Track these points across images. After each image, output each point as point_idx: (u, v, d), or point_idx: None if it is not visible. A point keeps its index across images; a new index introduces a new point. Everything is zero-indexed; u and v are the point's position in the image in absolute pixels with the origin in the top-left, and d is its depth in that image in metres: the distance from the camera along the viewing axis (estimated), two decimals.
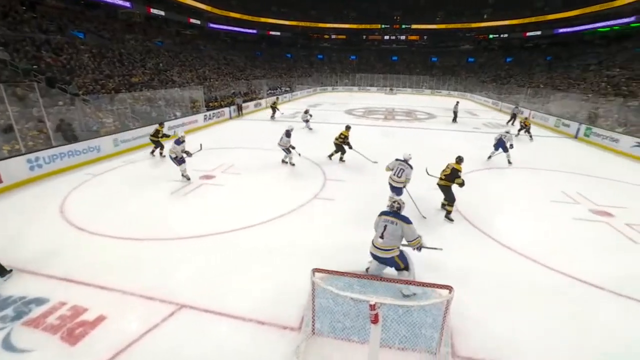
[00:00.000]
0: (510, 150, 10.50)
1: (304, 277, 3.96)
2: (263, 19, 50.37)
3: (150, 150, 10.91)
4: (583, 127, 15.26)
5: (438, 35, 53.14)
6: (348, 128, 10.54)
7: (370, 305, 2.51)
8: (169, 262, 4.98)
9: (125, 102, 13.96)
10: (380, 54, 53.55)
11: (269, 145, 11.93)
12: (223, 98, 21.81)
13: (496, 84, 35.46)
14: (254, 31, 50.06)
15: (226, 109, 18.90)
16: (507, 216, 6.82)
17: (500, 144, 10.46)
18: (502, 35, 49.01)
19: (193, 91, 18.24)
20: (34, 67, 14.27)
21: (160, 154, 10.77)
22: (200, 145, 8.96)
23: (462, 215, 6.75)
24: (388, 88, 43.46)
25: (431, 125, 18.51)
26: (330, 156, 10.68)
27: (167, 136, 10.79)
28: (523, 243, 5.66)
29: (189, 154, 8.28)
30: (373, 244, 4.06)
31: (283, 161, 10.05)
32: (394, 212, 4.04)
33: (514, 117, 18.97)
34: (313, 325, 3.55)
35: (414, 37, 54.41)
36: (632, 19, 31.72)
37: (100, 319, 3.77)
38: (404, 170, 6.51)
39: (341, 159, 10.48)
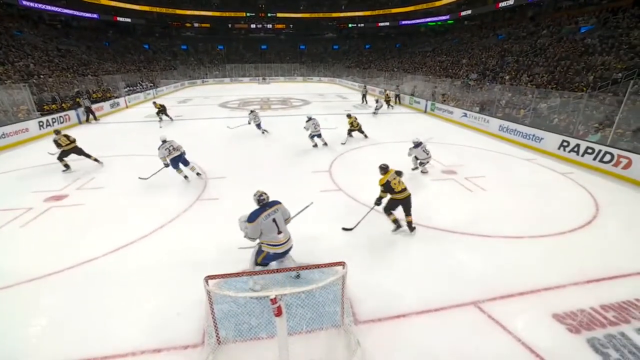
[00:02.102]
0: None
1: (195, 288, 3.70)
2: (104, 1, 42.52)
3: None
4: (429, 103, 18.62)
5: (303, 23, 55.44)
6: (349, 116, 11.93)
7: (271, 300, 2.51)
8: (13, 317, 3.87)
9: None
10: (249, 43, 52.68)
11: (136, 151, 10.46)
12: (64, 99, 17.75)
13: (359, 68, 39.58)
14: (95, 15, 41.65)
15: (72, 112, 15.45)
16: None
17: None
18: (359, 25, 54.57)
19: (14, 91, 14.21)
20: None
21: None
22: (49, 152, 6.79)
23: (341, 189, 7.40)
24: (261, 77, 43.42)
25: (307, 111, 19.42)
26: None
27: None
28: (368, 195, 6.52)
29: None
30: (274, 244, 3.86)
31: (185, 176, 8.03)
32: (266, 203, 3.94)
33: (364, 96, 22.59)
34: (217, 335, 3.34)
35: (280, 26, 55.29)
36: (447, 17, 40.50)
37: None
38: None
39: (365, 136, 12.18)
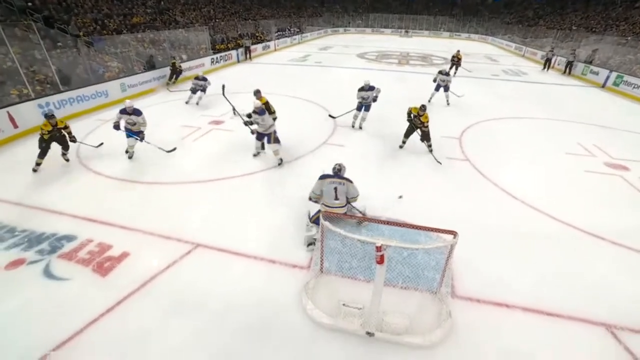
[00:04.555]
0: (450, 91, 10.94)
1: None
2: None
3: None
4: (614, 75, 14.29)
5: None
6: (422, 109, 6.82)
7: (377, 247, 2.66)
8: (183, 205, 5.23)
9: (128, 44, 13.47)
10: None
11: (282, 90, 11.66)
12: (230, 40, 20.78)
13: (522, 25, 32.62)
14: None
15: (233, 52, 18.12)
16: (515, 165, 6.80)
17: (439, 85, 10.84)
18: None
19: (198, 32, 17.35)
20: (29, 4, 13.60)
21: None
22: (223, 86, 8.27)
23: (471, 163, 6.74)
24: (403, 30, 40.53)
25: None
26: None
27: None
28: (528, 192, 5.71)
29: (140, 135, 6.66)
30: (326, 205, 4.36)
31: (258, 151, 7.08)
32: (337, 175, 4.41)
33: (548, 61, 18.54)
34: (322, 265, 3.80)
35: None
36: None
37: (124, 255, 4.10)
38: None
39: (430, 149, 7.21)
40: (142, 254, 4.15)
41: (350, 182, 4.39)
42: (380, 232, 4.47)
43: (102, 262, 3.96)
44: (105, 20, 15.71)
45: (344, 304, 3.34)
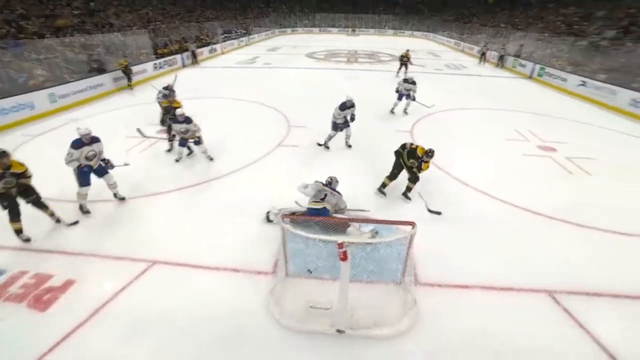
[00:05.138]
0: (416, 101, 9.65)
1: (273, 225, 4.39)
2: None
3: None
4: (537, 67, 15.89)
5: None
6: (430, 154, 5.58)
7: (339, 244, 2.69)
8: (132, 221, 4.87)
9: (54, 49, 12.22)
10: None
11: (231, 94, 11.35)
12: (173, 43, 19.74)
13: (459, 23, 35.04)
14: None
15: (178, 56, 17.26)
16: (464, 154, 7.27)
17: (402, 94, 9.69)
18: None
19: (137, 36, 16.27)
20: None
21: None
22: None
23: None
24: (350, 29, 41.56)
25: (394, 67, 18.27)
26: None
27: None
28: (477, 179, 6.13)
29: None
30: (312, 202, 4.57)
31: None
32: (329, 186, 4.76)
33: (483, 55, 20.24)
34: (286, 268, 3.75)
35: None
36: None
37: (68, 283, 3.70)
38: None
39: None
40: (91, 280, 3.79)
41: (340, 195, 4.70)
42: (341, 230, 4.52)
43: (41, 295, 3.54)
44: (22, 22, 14.08)
45: (311, 306, 3.33)
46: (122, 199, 5.34)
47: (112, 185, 5.19)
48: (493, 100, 11.76)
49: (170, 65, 16.30)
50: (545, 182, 6.20)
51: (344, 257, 2.73)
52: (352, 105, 7.12)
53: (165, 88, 8.11)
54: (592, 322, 3.36)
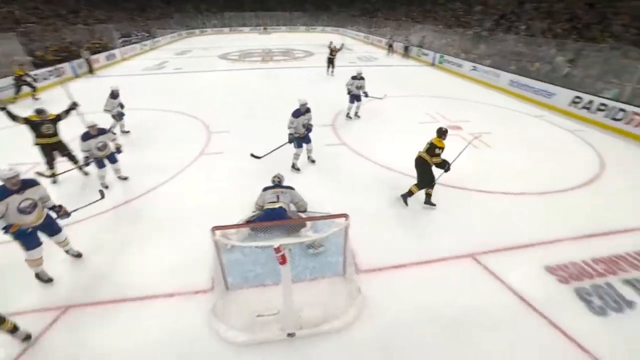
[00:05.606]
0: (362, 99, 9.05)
1: (205, 238, 3.86)
2: None
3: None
4: (437, 55, 17.74)
5: None
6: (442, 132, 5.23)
7: (275, 249, 2.62)
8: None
9: None
10: None
11: (141, 104, 10.28)
12: (57, 51, 16.93)
13: (365, 17, 37.18)
14: None
15: (66, 65, 14.95)
16: (385, 140, 7.77)
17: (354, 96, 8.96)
18: None
19: (2, 41, 13.63)
20: None
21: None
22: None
23: (348, 146, 7.37)
24: (262, 27, 41.14)
25: (310, 63, 18.66)
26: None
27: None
28: (396, 160, 6.57)
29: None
30: (269, 204, 4.42)
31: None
32: (278, 185, 4.64)
33: (390, 47, 21.89)
34: (225, 282, 3.56)
35: None
36: None
37: None
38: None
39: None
40: None
41: (293, 189, 4.60)
42: (279, 231, 4.43)
43: None
44: None
45: (258, 315, 3.22)
46: (79, 255, 4.20)
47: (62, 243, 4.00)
48: (404, 88, 12.76)
49: (57, 76, 14.01)
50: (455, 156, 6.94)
51: (282, 261, 2.68)
52: (308, 110, 6.14)
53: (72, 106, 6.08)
54: (504, 274, 3.90)
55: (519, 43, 14.56)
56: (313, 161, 6.67)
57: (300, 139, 6.14)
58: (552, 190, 5.71)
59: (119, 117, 7.86)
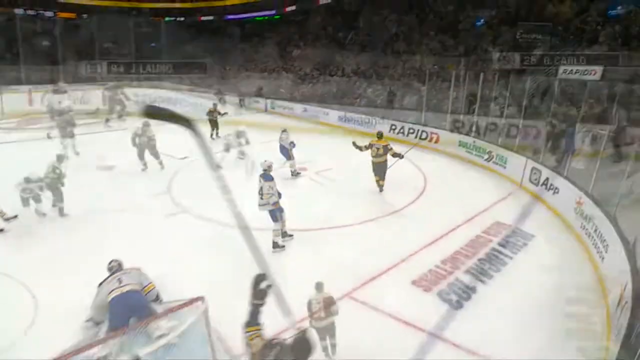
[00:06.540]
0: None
1: None
2: None
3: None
4: (268, 101, 19.35)
5: (105, 14, 47.81)
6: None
7: None
8: None
9: None
10: (26, 35, 41.29)
11: None
12: None
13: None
14: None
15: None
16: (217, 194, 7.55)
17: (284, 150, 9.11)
18: (178, 19, 51.14)
19: None
20: None
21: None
22: None
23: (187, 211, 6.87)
24: (52, 86, 35.18)
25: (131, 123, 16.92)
26: None
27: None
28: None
29: None
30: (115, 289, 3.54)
31: None
32: (121, 269, 3.89)
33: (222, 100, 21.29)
34: None
35: (68, 15, 45.52)
36: (274, 12, 42.66)
37: None
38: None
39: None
40: None
41: (137, 269, 3.84)
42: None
43: None
44: None
45: None
46: None
47: None
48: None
49: None
50: (310, 197, 7.49)
51: None
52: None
53: None
54: (380, 302, 4.25)
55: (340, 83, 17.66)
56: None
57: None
58: (397, 209, 6.92)
59: None
